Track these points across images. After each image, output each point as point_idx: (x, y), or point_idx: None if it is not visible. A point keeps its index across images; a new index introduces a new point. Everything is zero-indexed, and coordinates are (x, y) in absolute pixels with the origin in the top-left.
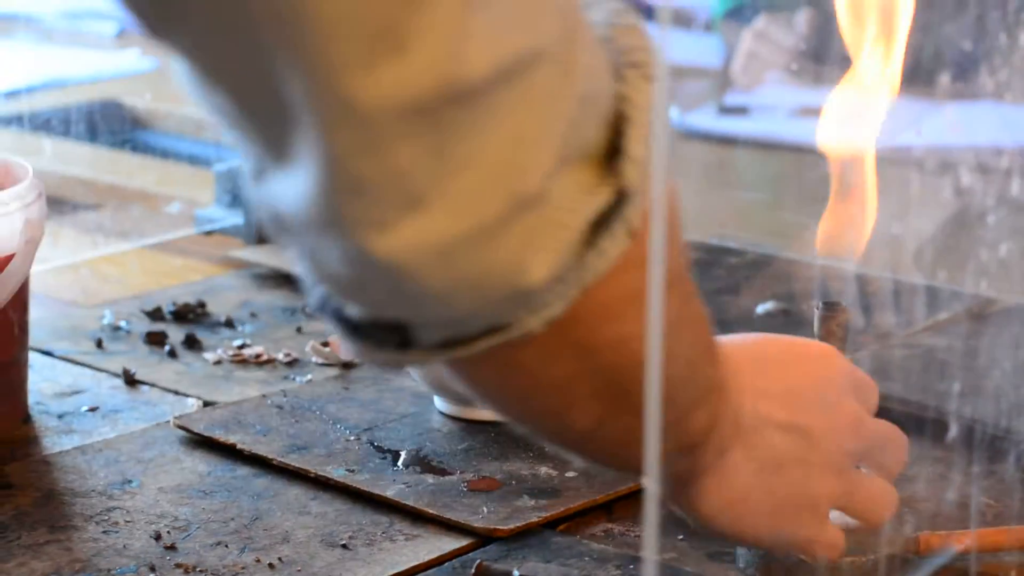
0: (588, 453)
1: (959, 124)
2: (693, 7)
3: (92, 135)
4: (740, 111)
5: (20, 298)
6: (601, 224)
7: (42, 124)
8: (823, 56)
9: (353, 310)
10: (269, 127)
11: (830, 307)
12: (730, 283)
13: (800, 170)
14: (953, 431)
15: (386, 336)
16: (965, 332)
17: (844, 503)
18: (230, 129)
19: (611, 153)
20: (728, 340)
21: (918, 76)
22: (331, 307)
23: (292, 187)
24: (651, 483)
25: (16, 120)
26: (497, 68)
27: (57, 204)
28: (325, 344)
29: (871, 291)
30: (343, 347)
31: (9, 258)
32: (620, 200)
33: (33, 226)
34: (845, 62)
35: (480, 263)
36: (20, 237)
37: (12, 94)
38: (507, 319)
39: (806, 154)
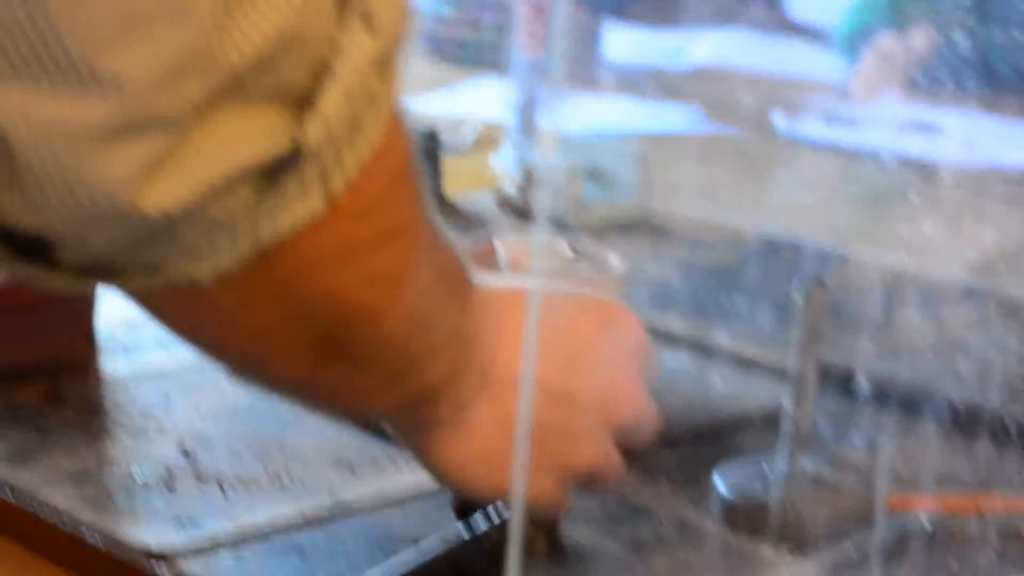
0: (300, 398)
1: None
2: (825, 25)
3: None
4: (848, 122)
5: None
6: (280, 176)
7: None
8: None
9: None
10: None
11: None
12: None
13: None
14: None
15: (31, 249)
16: None
17: (592, 474)
18: None
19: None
20: (503, 289)
21: None
22: None
23: None
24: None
25: None
26: None
27: None
28: None
29: None
30: None
31: None
32: (299, 155)
33: None
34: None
35: (85, 161)
36: None
37: None
38: (154, 259)
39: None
